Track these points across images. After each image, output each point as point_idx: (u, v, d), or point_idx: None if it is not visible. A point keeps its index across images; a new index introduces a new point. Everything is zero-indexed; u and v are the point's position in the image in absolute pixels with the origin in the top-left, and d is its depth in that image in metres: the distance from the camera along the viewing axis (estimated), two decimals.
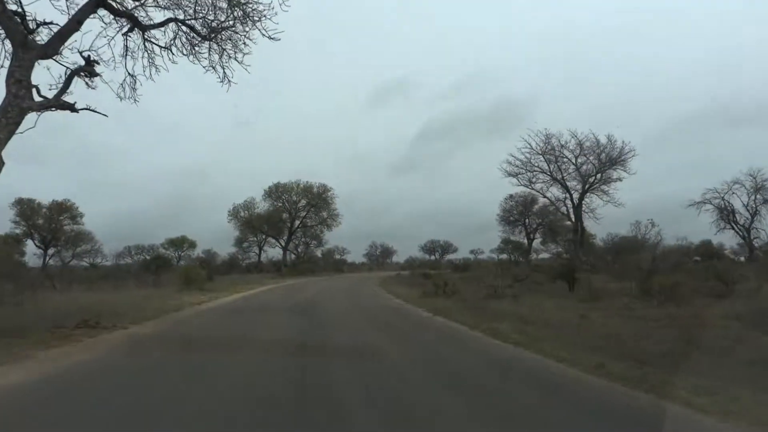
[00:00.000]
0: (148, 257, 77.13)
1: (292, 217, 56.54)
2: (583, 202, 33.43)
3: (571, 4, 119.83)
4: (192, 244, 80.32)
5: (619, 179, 31.13)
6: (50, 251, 63.59)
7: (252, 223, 56.02)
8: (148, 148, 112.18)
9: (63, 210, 63.85)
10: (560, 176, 33.29)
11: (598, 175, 31.91)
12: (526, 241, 67.72)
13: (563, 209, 34.91)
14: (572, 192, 33.70)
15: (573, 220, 33.56)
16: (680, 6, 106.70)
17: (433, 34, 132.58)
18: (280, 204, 56.47)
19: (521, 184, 35.22)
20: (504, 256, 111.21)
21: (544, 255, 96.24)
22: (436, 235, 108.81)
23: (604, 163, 31.06)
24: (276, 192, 55.85)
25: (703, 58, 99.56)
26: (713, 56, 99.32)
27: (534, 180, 34.92)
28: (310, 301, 20.23)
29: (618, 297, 19.39)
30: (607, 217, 34.44)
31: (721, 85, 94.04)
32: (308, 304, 18.45)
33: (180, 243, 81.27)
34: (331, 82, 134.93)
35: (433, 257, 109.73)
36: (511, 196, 66.32)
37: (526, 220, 66.55)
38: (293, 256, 75.44)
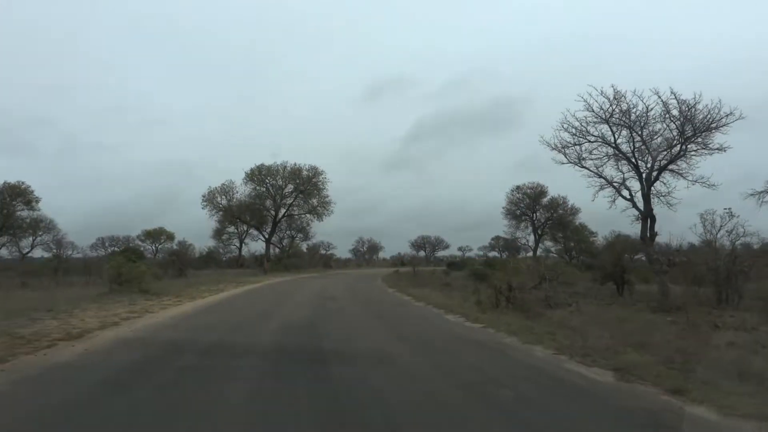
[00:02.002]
0: (117, 249, 67.89)
1: (276, 204, 46.68)
2: (651, 184, 24.49)
3: (569, 3, 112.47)
4: (170, 236, 70.86)
5: (721, 149, 22.21)
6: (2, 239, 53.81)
7: (231, 211, 45.92)
8: (135, 142, 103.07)
9: (16, 193, 53.37)
10: (632, 148, 24.32)
11: (683, 147, 23.01)
12: (533, 236, 58.79)
13: (624, 193, 25.74)
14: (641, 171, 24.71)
15: (642, 207, 24.42)
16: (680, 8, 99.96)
17: (429, 32, 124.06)
18: (263, 189, 46.54)
19: (569, 162, 26.05)
20: (494, 253, 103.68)
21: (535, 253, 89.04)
22: (422, 233, 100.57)
23: (698, 128, 22.16)
24: (259, 175, 45.90)
25: (705, 59, 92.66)
26: (714, 57, 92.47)
27: (584, 156, 25.83)
28: (309, 321, 10.92)
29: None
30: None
31: (724, 86, 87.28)
32: (309, 333, 9.21)
33: (157, 235, 71.36)
34: (324, 78, 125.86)
35: (422, 253, 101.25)
36: (518, 187, 57.86)
37: (534, 215, 57.92)
38: (277, 250, 65.71)
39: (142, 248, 67.92)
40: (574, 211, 56.30)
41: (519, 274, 20.92)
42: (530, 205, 57.48)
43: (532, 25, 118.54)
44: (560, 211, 56.81)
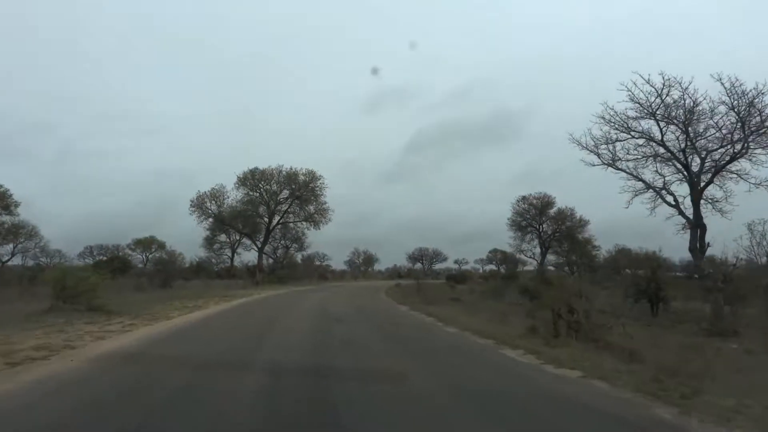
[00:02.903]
0: (104, 258, 63.86)
1: (270, 211, 42.50)
2: (703, 187, 20.95)
3: (569, 13, 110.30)
4: (162, 246, 66.66)
5: None
6: None
7: (222, 218, 41.65)
8: (133, 150, 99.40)
9: None
10: (681, 146, 20.72)
11: (745, 144, 19.43)
12: (539, 249, 54.77)
13: (669, 198, 22.11)
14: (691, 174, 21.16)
15: (690, 214, 20.78)
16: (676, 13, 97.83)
17: (431, 43, 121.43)
18: (256, 194, 42.38)
19: (602, 163, 22.40)
20: (491, 266, 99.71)
21: (529, 267, 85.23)
22: (418, 245, 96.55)
23: (765, 119, 18.60)
24: (252, 179, 41.81)
25: (705, 63, 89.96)
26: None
27: (619, 156, 22.27)
28: (311, 364, 6.90)
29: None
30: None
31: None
32: (314, 387, 5.23)
33: (148, 244, 67.01)
34: (324, 88, 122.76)
35: (420, 265, 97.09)
36: (524, 197, 53.97)
37: (541, 226, 53.97)
38: (271, 260, 61.38)
39: (130, 257, 63.70)
40: (583, 223, 52.68)
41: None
42: (536, 216, 53.58)
43: (535, 38, 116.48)
44: (568, 224, 52.97)
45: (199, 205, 40.21)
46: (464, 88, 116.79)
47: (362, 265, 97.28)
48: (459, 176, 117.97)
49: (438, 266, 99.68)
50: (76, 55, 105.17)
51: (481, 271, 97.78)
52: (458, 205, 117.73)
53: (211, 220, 41.18)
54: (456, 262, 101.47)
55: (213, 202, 40.54)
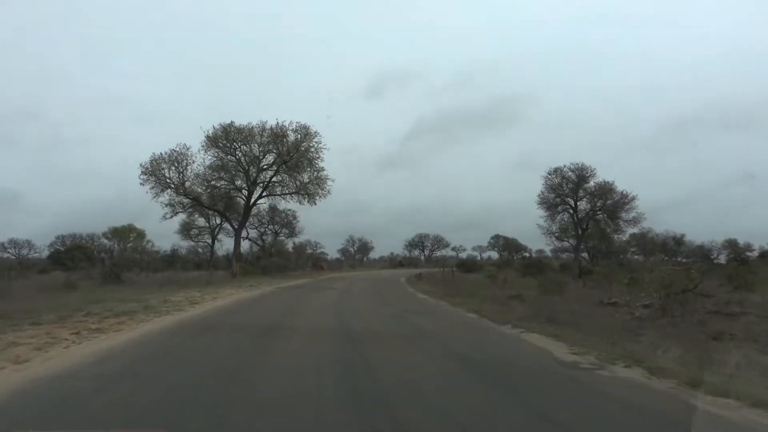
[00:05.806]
0: (61, 249, 52.22)
1: (250, 181, 30.70)
2: None
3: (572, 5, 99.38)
4: (141, 235, 54.88)
5: None
6: None
7: (184, 190, 29.59)
8: (123, 138, 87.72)
9: None
10: None
11: None
12: (576, 230, 43.48)
13: None
14: None
15: None
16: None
17: (433, 29, 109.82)
18: (232, 159, 30.39)
19: None
20: (492, 253, 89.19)
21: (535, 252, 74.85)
22: (411, 233, 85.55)
23: None
24: (226, 139, 29.78)
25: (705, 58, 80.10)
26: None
27: None
28: None
29: None
30: None
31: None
32: None
33: (125, 233, 54.98)
34: (323, 74, 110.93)
35: (420, 253, 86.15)
36: (556, 169, 42.65)
37: (577, 203, 42.69)
38: (257, 247, 49.58)
39: (100, 248, 51.84)
40: (627, 199, 41.45)
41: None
42: (573, 190, 42.27)
43: (538, 25, 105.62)
44: (609, 201, 41.76)
45: (153, 171, 28.01)
46: (466, 74, 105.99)
47: (357, 253, 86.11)
48: (458, 163, 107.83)
49: (437, 253, 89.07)
50: (66, 41, 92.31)
51: (479, 258, 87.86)
52: (456, 191, 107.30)
53: (169, 192, 28.91)
54: (453, 249, 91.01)
55: (173, 168, 28.37)
